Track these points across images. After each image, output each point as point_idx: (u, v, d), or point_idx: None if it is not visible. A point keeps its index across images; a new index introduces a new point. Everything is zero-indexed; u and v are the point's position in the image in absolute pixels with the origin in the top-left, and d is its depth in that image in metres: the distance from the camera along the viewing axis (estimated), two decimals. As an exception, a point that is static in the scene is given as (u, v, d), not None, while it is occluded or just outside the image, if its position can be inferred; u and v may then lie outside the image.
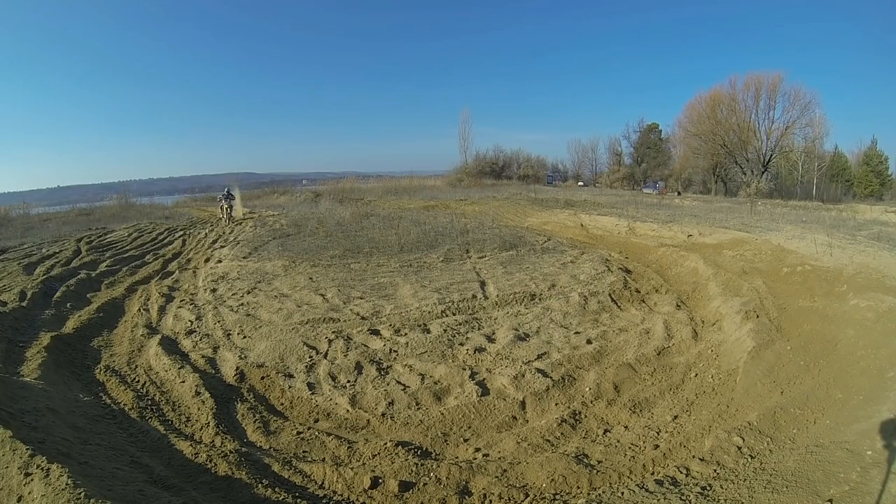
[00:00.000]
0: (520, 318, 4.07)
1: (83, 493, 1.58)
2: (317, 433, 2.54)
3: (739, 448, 2.03)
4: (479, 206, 14.84)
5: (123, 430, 2.51)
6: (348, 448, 2.40)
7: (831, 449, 1.84)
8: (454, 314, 4.22)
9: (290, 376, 3.15)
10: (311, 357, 3.39)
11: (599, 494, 1.72)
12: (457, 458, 2.35)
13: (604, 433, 2.50)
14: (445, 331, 3.77)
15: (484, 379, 3.03)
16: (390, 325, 3.90)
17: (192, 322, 4.26)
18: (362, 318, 4.14)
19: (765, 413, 2.27)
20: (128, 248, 9.28)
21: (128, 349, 3.73)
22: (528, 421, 2.66)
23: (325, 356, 3.40)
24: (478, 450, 2.42)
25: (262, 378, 3.15)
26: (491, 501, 2.01)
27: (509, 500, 2.00)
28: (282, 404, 2.92)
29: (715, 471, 1.87)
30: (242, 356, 3.43)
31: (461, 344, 3.54)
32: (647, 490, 1.73)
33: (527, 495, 2.02)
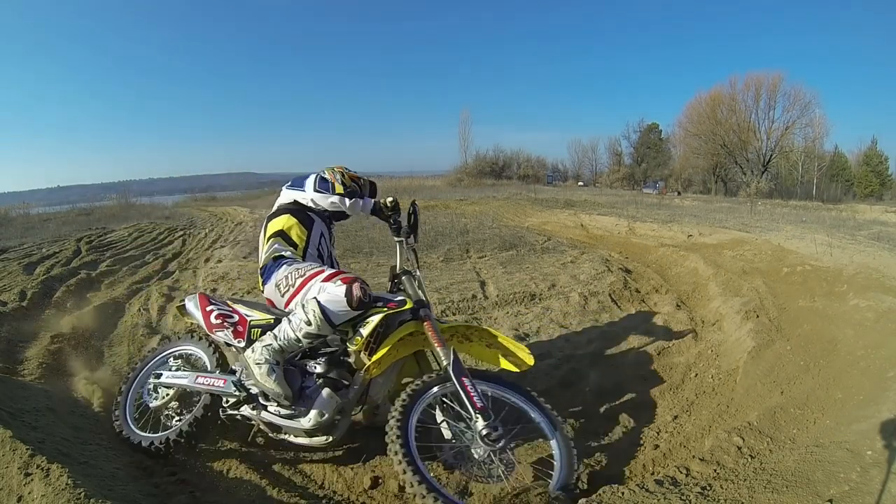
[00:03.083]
0: (520, 318, 4.06)
1: (83, 493, 1.58)
2: (317, 433, 2.54)
3: (739, 448, 2.03)
4: (479, 206, 14.84)
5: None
6: (348, 447, 2.39)
7: (831, 449, 1.84)
8: (454, 314, 4.22)
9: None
10: (311, 357, 3.39)
11: (600, 494, 1.72)
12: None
13: (604, 433, 2.50)
14: (445, 331, 3.77)
15: (484, 379, 3.02)
16: (390, 325, 3.89)
17: (192, 322, 4.26)
18: (362, 317, 4.14)
19: (765, 413, 2.26)
20: (128, 247, 9.27)
21: (128, 349, 3.73)
22: (528, 421, 2.66)
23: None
24: (478, 450, 2.42)
25: (262, 378, 3.14)
26: (491, 501, 2.01)
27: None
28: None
29: (715, 471, 1.87)
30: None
31: (461, 344, 3.53)
32: (647, 490, 1.73)
33: (527, 495, 2.01)
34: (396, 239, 2.30)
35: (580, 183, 40.38)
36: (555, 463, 1.85)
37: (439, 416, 1.99)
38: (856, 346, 2.68)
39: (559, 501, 1.66)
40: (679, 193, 30.15)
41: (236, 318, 2.21)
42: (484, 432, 1.81)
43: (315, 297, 1.98)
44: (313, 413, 1.99)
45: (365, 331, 1.99)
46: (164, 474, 2.08)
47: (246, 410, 2.13)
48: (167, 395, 2.32)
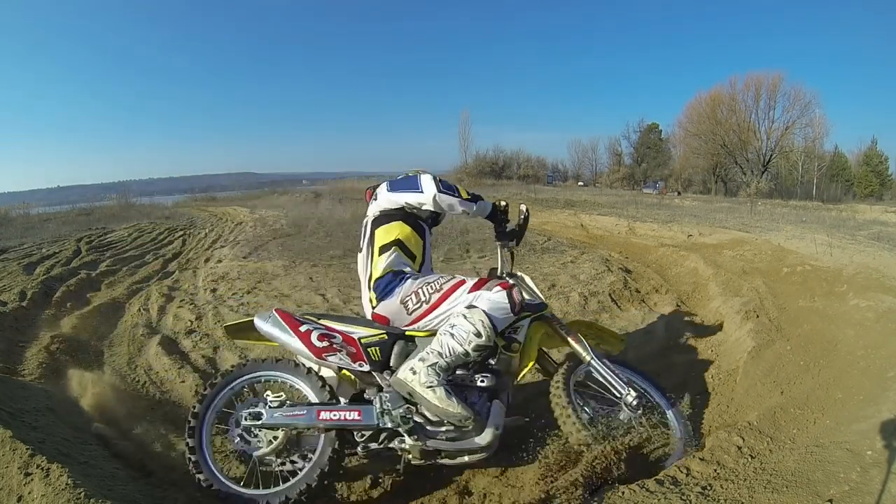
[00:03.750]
0: (520, 318, 4.06)
1: (83, 493, 1.58)
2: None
3: (739, 448, 2.03)
4: (479, 206, 14.81)
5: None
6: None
7: (831, 449, 1.84)
8: (454, 314, 4.21)
9: (290, 376, 3.15)
10: (311, 357, 3.39)
11: (600, 493, 1.72)
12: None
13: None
14: (445, 331, 3.76)
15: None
16: (390, 325, 3.89)
17: (192, 322, 4.26)
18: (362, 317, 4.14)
19: (765, 413, 2.26)
20: (128, 248, 9.28)
21: (128, 349, 3.73)
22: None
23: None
24: (478, 450, 2.42)
25: (262, 378, 3.14)
26: (491, 501, 2.01)
27: (509, 499, 2.00)
28: (282, 404, 2.91)
29: (715, 470, 1.87)
30: (243, 356, 3.43)
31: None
32: (647, 490, 1.73)
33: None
34: (499, 242, 2.32)
35: (580, 183, 40.43)
36: (671, 431, 2.11)
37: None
38: (856, 346, 2.68)
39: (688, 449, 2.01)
40: (679, 193, 30.16)
41: (339, 336, 1.95)
42: (634, 403, 2.05)
43: (475, 307, 1.90)
44: (489, 430, 1.88)
45: (520, 336, 2.04)
46: (164, 475, 2.08)
47: (403, 442, 1.90)
48: (274, 438, 1.92)
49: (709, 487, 1.77)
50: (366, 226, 2.20)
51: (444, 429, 1.88)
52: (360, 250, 2.21)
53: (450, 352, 1.85)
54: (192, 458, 1.91)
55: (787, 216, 11.19)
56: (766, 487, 1.71)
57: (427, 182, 2.06)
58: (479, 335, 1.85)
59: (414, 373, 1.84)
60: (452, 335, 1.86)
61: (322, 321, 2.03)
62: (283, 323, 1.97)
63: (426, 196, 2.05)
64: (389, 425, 1.87)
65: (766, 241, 5.75)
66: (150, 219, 16.41)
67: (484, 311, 1.88)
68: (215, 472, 1.90)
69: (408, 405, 1.88)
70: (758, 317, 3.45)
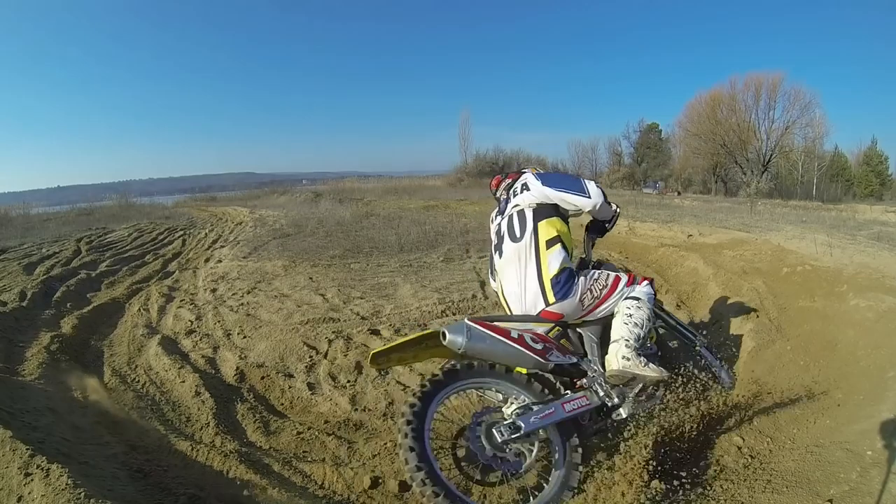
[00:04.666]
0: (520, 318, 4.06)
1: (83, 493, 1.58)
2: (317, 433, 2.54)
3: (739, 448, 2.03)
4: (479, 206, 14.82)
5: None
6: (348, 448, 2.40)
7: (831, 449, 1.84)
8: (454, 314, 4.22)
9: (291, 376, 3.16)
10: (311, 357, 3.39)
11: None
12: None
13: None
14: (445, 331, 3.76)
15: (484, 379, 3.02)
16: (390, 325, 3.90)
17: (191, 322, 4.27)
18: (362, 317, 4.14)
19: (765, 413, 2.27)
20: (128, 248, 9.28)
21: (128, 349, 3.73)
22: (528, 421, 2.66)
23: (325, 356, 3.40)
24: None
25: (262, 378, 3.15)
26: (491, 502, 2.01)
27: (509, 501, 2.00)
28: (282, 404, 2.93)
29: (715, 471, 1.87)
30: (242, 356, 3.44)
31: (461, 344, 3.53)
32: (648, 489, 1.73)
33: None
34: (589, 234, 2.58)
35: (580, 183, 40.30)
36: (718, 376, 2.57)
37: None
38: (856, 346, 2.68)
39: (725, 394, 2.40)
40: (679, 193, 30.10)
41: (537, 337, 1.95)
42: (704, 342, 2.65)
43: (640, 298, 2.19)
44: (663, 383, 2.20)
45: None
46: (164, 475, 2.08)
47: (619, 414, 2.08)
48: (532, 445, 1.83)
49: (709, 487, 1.77)
50: (520, 215, 2.20)
51: (649, 392, 2.17)
52: (515, 239, 2.18)
53: (637, 336, 2.09)
54: (431, 494, 1.56)
55: (787, 216, 11.17)
56: (766, 487, 1.71)
57: (594, 189, 2.20)
58: (649, 319, 2.17)
59: (627, 360, 2.03)
60: (636, 323, 2.11)
61: (500, 324, 1.95)
62: (492, 333, 1.81)
63: (592, 202, 2.19)
64: (616, 401, 2.08)
65: (766, 241, 5.75)
66: (150, 219, 16.39)
67: (646, 300, 2.19)
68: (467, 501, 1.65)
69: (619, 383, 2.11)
70: (758, 317, 3.45)
